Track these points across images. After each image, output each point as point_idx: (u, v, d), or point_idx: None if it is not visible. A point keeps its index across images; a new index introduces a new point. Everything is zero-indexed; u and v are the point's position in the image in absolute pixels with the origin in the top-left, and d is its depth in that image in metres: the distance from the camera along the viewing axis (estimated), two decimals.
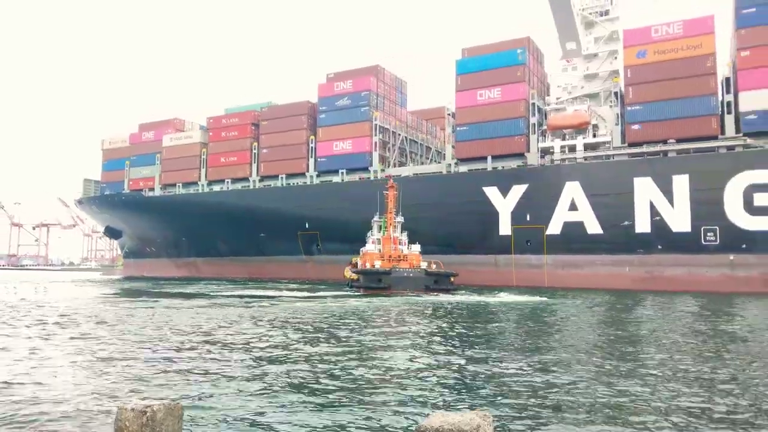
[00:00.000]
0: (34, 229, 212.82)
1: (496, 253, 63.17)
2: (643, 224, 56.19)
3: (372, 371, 14.45)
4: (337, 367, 14.95)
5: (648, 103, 57.03)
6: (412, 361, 15.98)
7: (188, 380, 13.20)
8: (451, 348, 18.65)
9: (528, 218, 61.53)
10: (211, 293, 47.50)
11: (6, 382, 12.80)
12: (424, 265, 49.55)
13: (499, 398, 11.73)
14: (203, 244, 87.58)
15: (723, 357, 16.91)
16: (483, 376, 14.04)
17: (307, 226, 74.80)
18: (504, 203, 62.96)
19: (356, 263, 56.39)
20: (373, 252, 53.03)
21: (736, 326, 26.11)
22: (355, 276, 51.27)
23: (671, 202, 55.09)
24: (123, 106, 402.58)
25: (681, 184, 54.77)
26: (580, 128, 62.07)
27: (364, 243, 71.16)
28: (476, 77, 66.16)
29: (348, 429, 9.67)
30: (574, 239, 58.72)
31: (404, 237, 53.83)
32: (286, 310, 31.47)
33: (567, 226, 59.51)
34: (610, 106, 62.29)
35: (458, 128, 67.61)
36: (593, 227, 58.22)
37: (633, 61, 58.53)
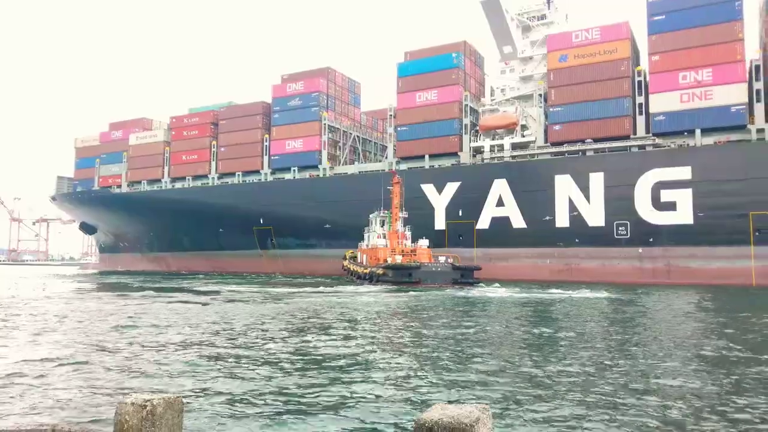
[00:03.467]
0: (34, 224, 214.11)
1: (433, 247, 66.35)
2: (562, 219, 59.56)
3: (378, 365, 14.54)
4: (341, 360, 15.02)
5: (568, 104, 60.35)
6: (422, 356, 15.99)
7: (189, 374, 13.15)
8: (463, 343, 18.25)
9: (460, 214, 64.92)
10: (220, 290, 44.04)
11: (6, 376, 12.81)
12: (442, 259, 50.36)
13: (499, 391, 11.67)
14: (169, 238, 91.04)
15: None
16: (485, 369, 13.90)
17: (261, 221, 78.28)
18: (439, 199, 66.34)
19: (355, 257, 58.02)
20: (383, 247, 53.22)
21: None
22: (383, 271, 49.21)
23: (588, 198, 58.42)
24: (99, 104, 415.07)
25: (597, 181, 58.10)
26: (509, 128, 65.41)
27: (315, 237, 75.13)
28: (415, 80, 69.53)
29: (348, 421, 9.71)
30: (501, 233, 62.07)
31: (408, 232, 55.38)
32: (310, 305, 30.82)
33: (495, 220, 62.90)
34: (539, 108, 65.58)
35: (399, 128, 71.00)
36: (518, 222, 61.60)
37: (556, 65, 61.82)
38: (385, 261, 50.83)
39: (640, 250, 55.92)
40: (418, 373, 13.41)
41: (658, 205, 55.26)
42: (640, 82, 58.34)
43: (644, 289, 47.08)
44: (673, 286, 50.43)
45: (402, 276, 47.74)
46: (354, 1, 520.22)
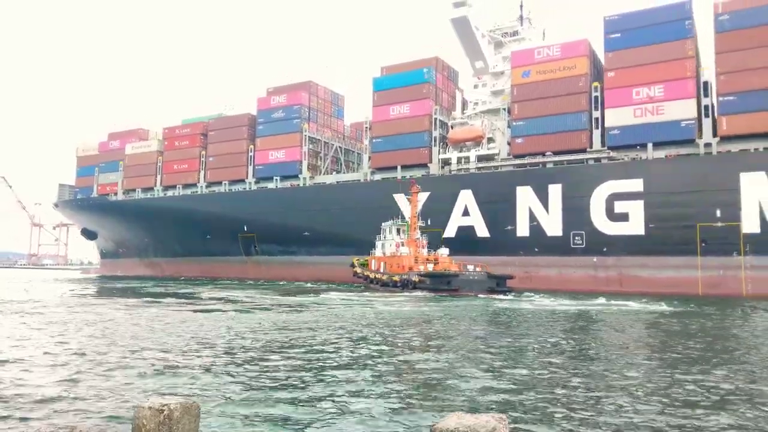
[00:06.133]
0: (54, 229, 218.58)
1: None
2: (523, 228, 61.77)
3: (395, 371, 14.63)
4: (359, 366, 15.08)
5: (530, 118, 62.61)
6: (436, 362, 16.00)
7: (206, 379, 13.25)
8: (479, 351, 18.25)
9: (429, 222, 67.07)
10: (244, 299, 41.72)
11: (24, 379, 12.93)
12: (471, 267, 50.99)
13: (516, 401, 11.55)
14: (162, 244, 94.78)
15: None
16: (502, 378, 13.75)
17: (245, 228, 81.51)
18: (410, 209, 68.77)
19: (365, 264, 59.33)
20: (406, 255, 54.44)
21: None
22: (419, 279, 49.76)
23: (547, 208, 60.57)
24: (104, 115, 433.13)
25: (555, 192, 60.23)
26: (476, 141, 67.93)
27: (295, 244, 77.96)
28: (389, 94, 72.42)
29: (363, 427, 9.72)
30: (466, 242, 64.24)
31: (425, 240, 57.13)
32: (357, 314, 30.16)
33: (461, 229, 65.27)
34: (505, 121, 67.94)
35: (374, 140, 73.83)
36: (482, 231, 63.94)
37: (519, 81, 64.19)
38: (410, 269, 51.79)
39: (595, 259, 57.89)
40: (437, 380, 13.38)
41: (612, 216, 57.24)
42: (597, 97, 60.46)
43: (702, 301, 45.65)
44: (626, 294, 52.14)
45: (440, 284, 48.03)
46: (349, 16, 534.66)
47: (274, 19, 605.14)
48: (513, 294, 48.60)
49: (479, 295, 46.63)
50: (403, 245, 56.52)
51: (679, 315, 32.98)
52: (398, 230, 58.62)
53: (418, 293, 47.60)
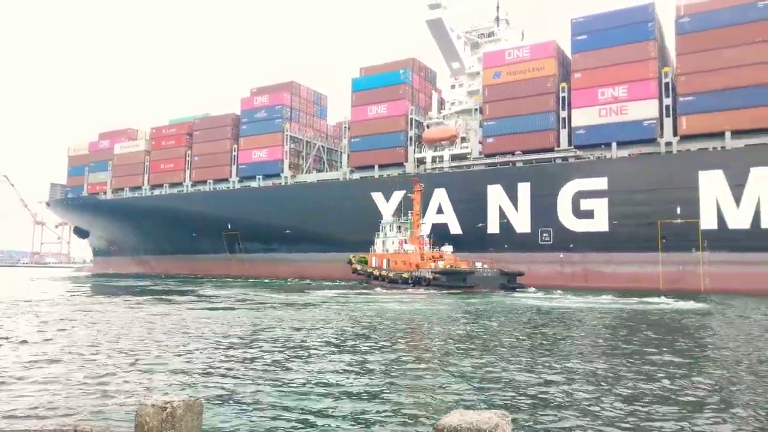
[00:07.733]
0: (56, 227, 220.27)
1: None
2: (493, 226, 63.46)
3: (397, 368, 14.60)
4: (361, 363, 15.15)
5: (500, 118, 64.23)
6: (438, 359, 16.02)
7: (209, 377, 13.29)
8: (483, 349, 18.13)
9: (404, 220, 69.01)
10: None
11: (27, 377, 12.98)
12: (479, 265, 51.71)
13: (518, 398, 11.57)
14: (151, 243, 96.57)
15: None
16: (504, 376, 13.74)
17: (229, 227, 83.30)
18: (387, 207, 70.51)
19: (364, 261, 59.45)
20: (412, 252, 54.80)
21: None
22: (433, 276, 49.91)
23: (516, 206, 62.24)
24: (99, 115, 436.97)
25: (524, 190, 61.88)
26: (450, 140, 69.56)
27: (277, 242, 79.69)
28: (367, 94, 74.08)
29: (367, 425, 9.75)
30: (440, 239, 65.69)
31: (426, 237, 58.20)
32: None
33: (435, 227, 66.69)
34: (477, 121, 69.54)
35: (352, 140, 75.51)
36: (455, 228, 65.59)
37: (490, 81, 65.76)
38: (418, 266, 52.23)
39: (561, 255, 59.52)
40: (439, 379, 13.44)
41: (578, 213, 58.88)
42: (564, 98, 62.00)
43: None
44: (591, 289, 53.72)
45: (457, 281, 48.63)
46: (333, 17, 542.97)
47: (261, 20, 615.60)
48: (526, 290, 48.86)
49: (496, 292, 47.20)
50: (406, 242, 57.30)
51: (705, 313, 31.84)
52: (400, 227, 59.40)
53: (432, 290, 48.06)
